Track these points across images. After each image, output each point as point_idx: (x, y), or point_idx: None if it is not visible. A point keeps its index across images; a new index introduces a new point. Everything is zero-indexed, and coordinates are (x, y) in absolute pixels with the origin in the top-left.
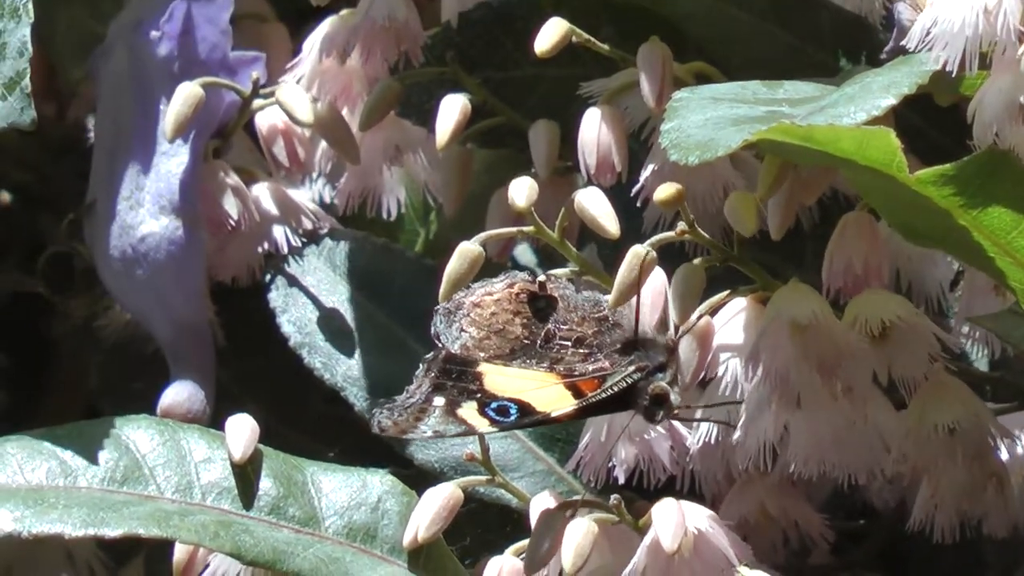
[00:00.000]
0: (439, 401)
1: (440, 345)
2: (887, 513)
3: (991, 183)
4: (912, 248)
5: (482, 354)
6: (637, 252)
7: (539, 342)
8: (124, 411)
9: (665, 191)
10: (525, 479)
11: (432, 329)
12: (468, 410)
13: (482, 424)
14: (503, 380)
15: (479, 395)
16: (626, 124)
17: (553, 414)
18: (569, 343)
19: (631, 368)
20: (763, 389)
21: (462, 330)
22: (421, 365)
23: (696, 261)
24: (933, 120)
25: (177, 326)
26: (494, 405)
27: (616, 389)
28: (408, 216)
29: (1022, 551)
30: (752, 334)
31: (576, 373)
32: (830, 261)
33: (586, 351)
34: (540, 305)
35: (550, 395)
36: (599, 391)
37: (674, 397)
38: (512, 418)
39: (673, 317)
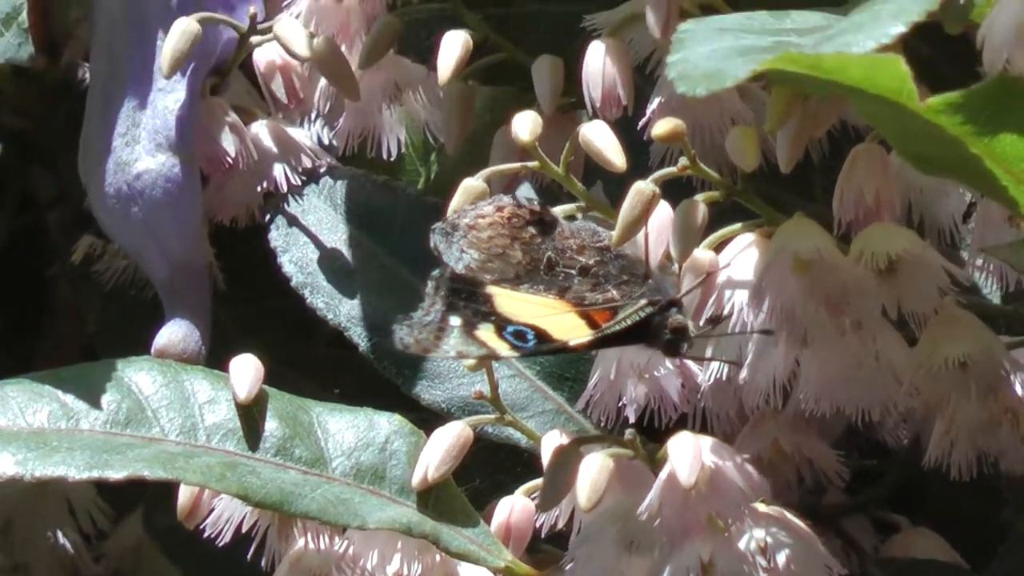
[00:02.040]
0: (455, 321)
1: (443, 265)
2: (901, 452)
3: (1002, 110)
4: (924, 180)
5: (488, 276)
6: (641, 189)
7: (542, 269)
8: (123, 356)
9: (662, 127)
10: (534, 419)
11: (432, 249)
12: (486, 333)
13: (502, 347)
14: (514, 304)
15: (493, 318)
16: (631, 57)
17: (571, 343)
18: (574, 272)
19: (643, 302)
20: (769, 326)
21: (463, 251)
22: (429, 282)
23: (697, 197)
24: (942, 50)
25: (173, 265)
26: (511, 329)
27: (630, 322)
28: (409, 156)
29: None
30: (754, 266)
31: (587, 302)
32: (841, 194)
33: (593, 281)
34: (534, 231)
35: (565, 323)
36: (613, 323)
37: (693, 331)
38: (531, 344)
39: (674, 253)
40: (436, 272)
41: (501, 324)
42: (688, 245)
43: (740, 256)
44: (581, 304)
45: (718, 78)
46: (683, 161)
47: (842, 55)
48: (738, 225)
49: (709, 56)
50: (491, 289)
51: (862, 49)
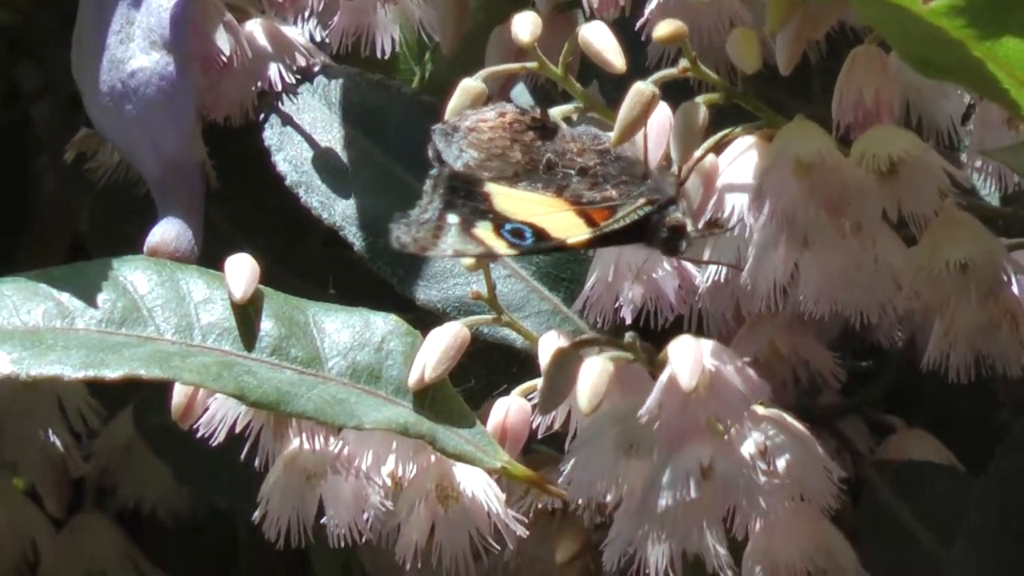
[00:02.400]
0: (453, 219)
1: (441, 164)
2: (896, 353)
3: (1004, 13)
4: (923, 81)
5: (486, 174)
6: (640, 90)
7: (541, 168)
8: (115, 255)
9: (664, 28)
10: (530, 319)
11: (430, 151)
12: (484, 231)
13: (500, 246)
14: (512, 202)
15: (491, 215)
16: None
17: (569, 241)
18: (573, 172)
19: (641, 200)
20: (770, 229)
21: (462, 150)
22: (428, 180)
23: (698, 99)
24: None
25: (166, 164)
26: (508, 227)
27: (628, 221)
28: (403, 55)
29: None
30: (754, 168)
31: (584, 200)
32: (840, 96)
33: (592, 180)
34: (535, 135)
35: (562, 221)
36: (612, 221)
37: (691, 229)
38: (528, 242)
39: (674, 155)
40: (434, 171)
41: (499, 222)
42: (689, 147)
43: (740, 158)
44: (579, 203)
45: None
46: (683, 63)
47: None
48: (738, 128)
49: None
50: (489, 187)
51: None
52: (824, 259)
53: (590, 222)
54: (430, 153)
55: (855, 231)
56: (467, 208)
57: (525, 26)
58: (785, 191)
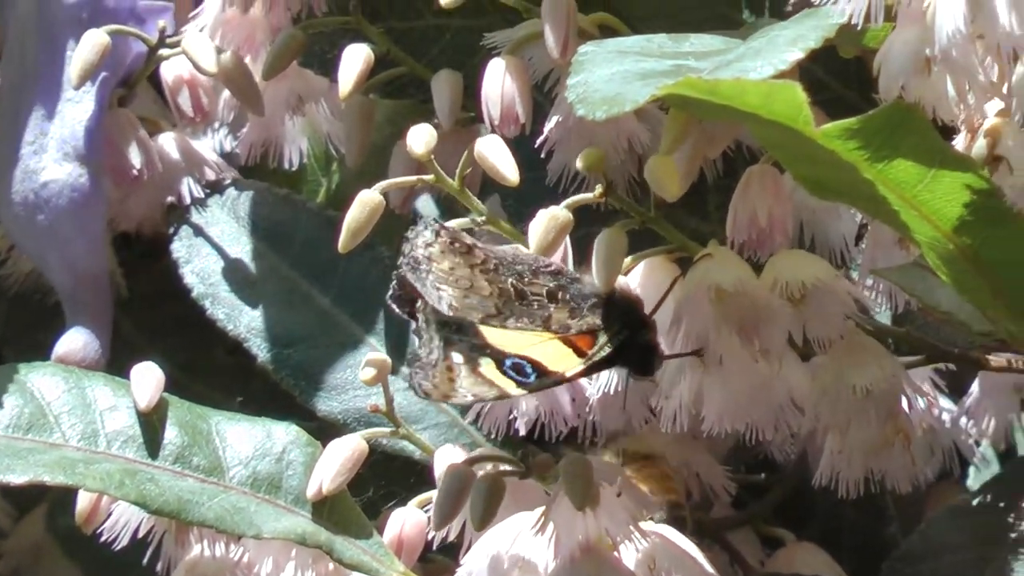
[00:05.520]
0: (458, 358)
1: (402, 305)
2: (788, 466)
3: (897, 136)
4: (816, 202)
5: (474, 314)
6: (555, 215)
7: (514, 298)
8: (27, 360)
9: (584, 159)
10: (428, 430)
11: (393, 294)
12: (488, 368)
13: (509, 385)
14: (504, 337)
15: (488, 350)
16: (530, 75)
17: (568, 374)
18: (543, 298)
19: (618, 325)
20: (682, 351)
21: (437, 288)
22: (419, 315)
23: (617, 225)
24: (835, 71)
25: (76, 274)
26: (508, 362)
27: (611, 347)
28: (311, 166)
29: (923, 504)
30: (662, 291)
31: (572, 331)
32: (735, 214)
33: (568, 308)
34: (480, 258)
35: (553, 352)
36: (598, 349)
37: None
38: (531, 378)
39: (597, 281)
40: (419, 304)
41: (498, 357)
42: (612, 272)
43: (646, 281)
44: (566, 332)
45: (618, 102)
46: (599, 188)
47: (740, 81)
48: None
49: (609, 79)
50: (481, 328)
51: (759, 75)
52: (730, 380)
53: (577, 351)
54: (393, 298)
55: (763, 354)
56: (464, 343)
57: (420, 139)
58: (700, 315)
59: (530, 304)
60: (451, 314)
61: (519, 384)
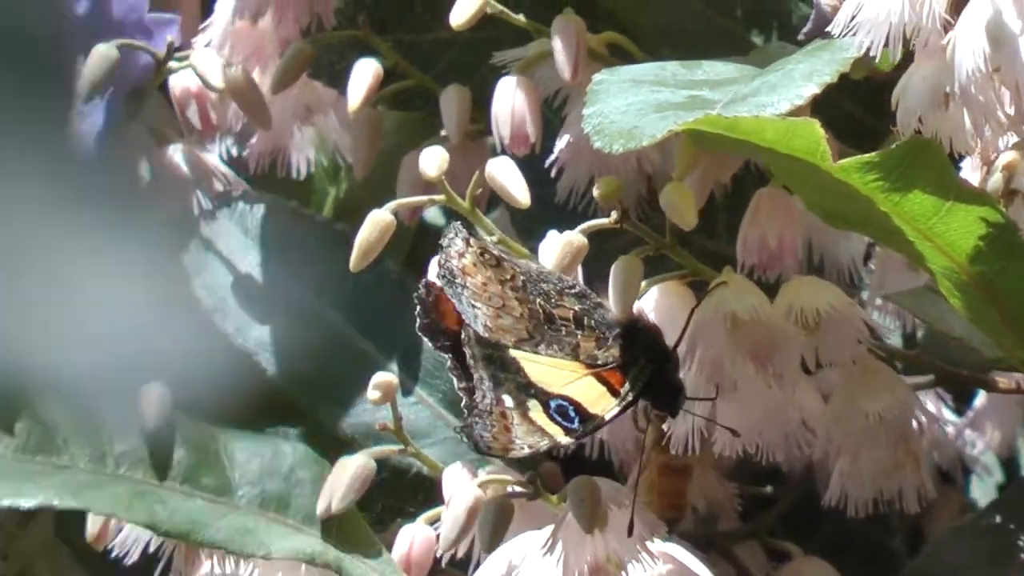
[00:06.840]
0: (509, 401)
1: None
2: (794, 478)
3: (914, 170)
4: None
5: (507, 338)
6: (570, 240)
7: (544, 321)
8: None
9: (603, 188)
10: (436, 446)
11: (421, 319)
12: (537, 413)
13: (558, 432)
14: (540, 371)
15: (533, 391)
16: (540, 93)
17: (606, 417)
18: (571, 323)
19: (642, 358)
20: (697, 379)
21: (472, 305)
22: (466, 350)
23: (633, 253)
24: (846, 91)
25: None
26: (553, 404)
27: (641, 383)
28: (318, 175)
29: (928, 517)
30: (679, 318)
31: (599, 363)
32: (745, 237)
33: (595, 336)
34: (510, 273)
35: (589, 391)
36: (629, 388)
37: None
38: (575, 424)
39: (614, 308)
40: (463, 336)
41: (543, 399)
42: (629, 299)
43: (661, 306)
44: (595, 365)
45: (635, 136)
46: (615, 214)
47: (759, 119)
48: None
49: (625, 111)
50: (515, 353)
51: (776, 110)
52: (744, 405)
53: (611, 390)
54: (422, 329)
55: (777, 379)
56: (511, 383)
57: (433, 162)
58: (715, 343)
59: (559, 330)
60: (486, 335)
61: (567, 432)
